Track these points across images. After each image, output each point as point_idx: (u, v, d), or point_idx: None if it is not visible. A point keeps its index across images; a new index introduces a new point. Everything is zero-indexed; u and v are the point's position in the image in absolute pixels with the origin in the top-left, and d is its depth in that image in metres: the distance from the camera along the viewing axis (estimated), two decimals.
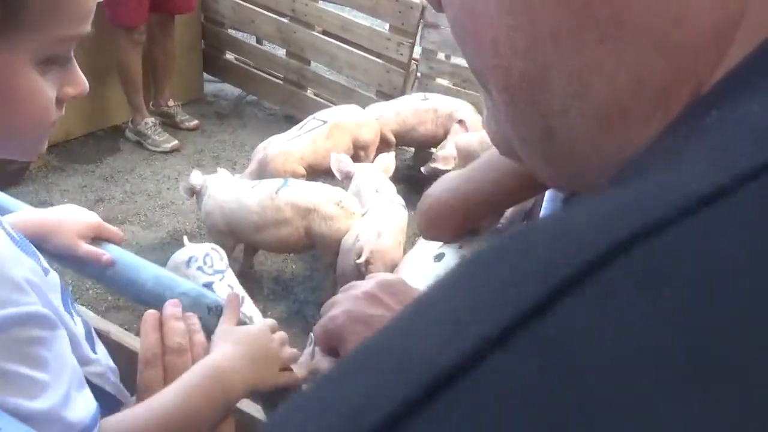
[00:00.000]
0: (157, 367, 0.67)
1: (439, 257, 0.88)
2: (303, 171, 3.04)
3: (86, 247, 0.77)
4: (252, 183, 2.76)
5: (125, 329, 1.32)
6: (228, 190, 2.70)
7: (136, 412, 0.63)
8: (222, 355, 0.70)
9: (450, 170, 3.13)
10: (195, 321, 0.72)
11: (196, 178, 2.78)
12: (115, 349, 1.13)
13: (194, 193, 2.78)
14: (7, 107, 0.54)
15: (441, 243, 0.93)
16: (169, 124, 3.98)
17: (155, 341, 0.68)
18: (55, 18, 0.54)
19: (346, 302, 0.68)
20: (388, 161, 2.98)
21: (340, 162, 2.88)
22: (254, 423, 0.87)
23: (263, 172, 2.98)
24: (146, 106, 3.82)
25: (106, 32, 3.35)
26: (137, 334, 0.78)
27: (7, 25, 0.52)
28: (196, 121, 4.01)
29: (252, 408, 0.91)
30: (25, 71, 0.54)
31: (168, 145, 3.76)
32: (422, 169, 3.31)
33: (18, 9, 0.52)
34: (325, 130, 3.14)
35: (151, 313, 0.71)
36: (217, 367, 0.68)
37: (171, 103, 3.99)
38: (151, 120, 3.80)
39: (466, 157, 3.16)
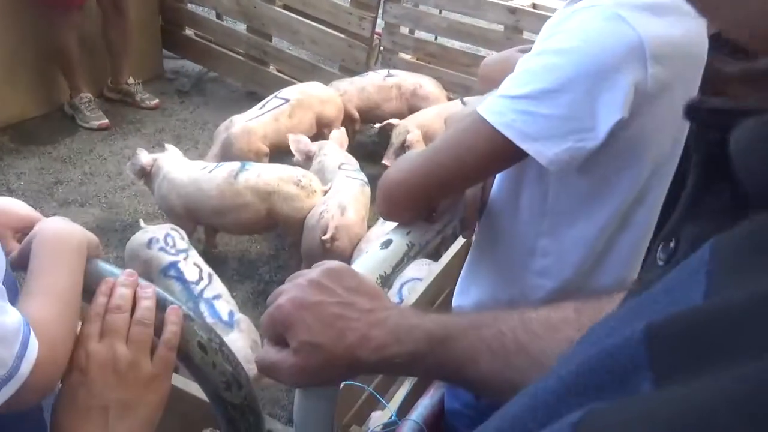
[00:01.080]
0: (96, 323, 0.69)
1: (387, 244, 0.88)
2: (266, 150, 3.02)
3: (13, 245, 0.75)
4: (208, 165, 2.71)
5: None
6: (183, 172, 2.65)
7: (40, 302, 0.67)
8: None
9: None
10: (148, 290, 0.72)
11: (145, 157, 2.71)
12: None
13: (144, 174, 2.72)
14: None
15: (390, 227, 0.93)
16: (129, 103, 3.91)
17: (102, 303, 0.70)
18: None
19: (291, 290, 0.68)
20: (340, 135, 3.02)
21: (299, 142, 2.87)
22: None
23: (227, 153, 2.95)
24: (86, 85, 3.73)
25: (60, 13, 3.30)
26: None
27: None
28: (156, 100, 3.94)
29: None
30: None
31: (96, 123, 3.69)
32: (385, 161, 3.15)
33: None
34: (288, 108, 3.11)
35: (105, 281, 0.72)
36: None
37: (131, 81, 3.91)
38: (87, 96, 3.74)
39: (426, 134, 3.17)
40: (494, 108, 0.82)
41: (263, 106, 3.14)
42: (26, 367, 0.60)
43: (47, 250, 0.69)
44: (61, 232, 0.72)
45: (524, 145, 0.80)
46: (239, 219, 2.60)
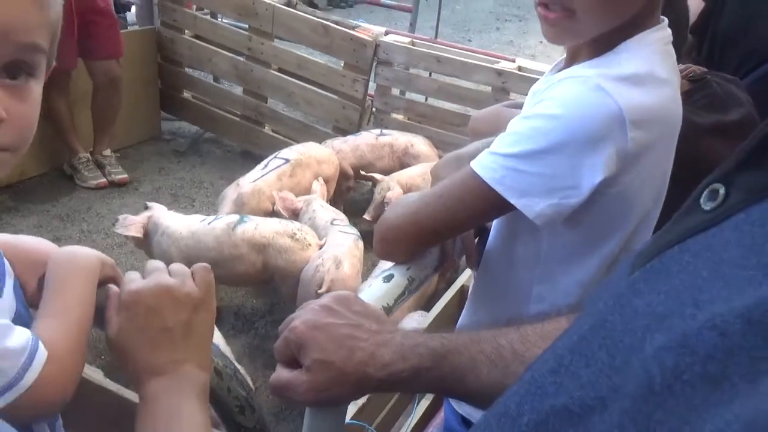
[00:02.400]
0: (137, 273, 0.73)
1: (389, 278, 0.94)
2: (271, 208, 3.08)
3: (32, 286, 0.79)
4: (207, 218, 2.75)
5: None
6: (183, 226, 2.68)
7: (50, 322, 0.70)
8: None
9: None
10: None
11: (136, 218, 2.70)
12: (97, 392, 1.15)
13: (143, 234, 2.70)
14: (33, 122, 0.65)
15: (383, 268, 0.99)
16: (102, 173, 3.91)
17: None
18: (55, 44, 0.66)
19: (304, 314, 0.74)
20: (321, 187, 3.18)
21: (285, 200, 2.99)
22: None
23: (240, 212, 2.99)
24: (82, 146, 3.84)
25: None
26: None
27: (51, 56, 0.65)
28: (124, 176, 3.90)
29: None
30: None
31: (93, 182, 3.77)
32: (367, 216, 3.33)
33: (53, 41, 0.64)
34: (288, 167, 3.20)
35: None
36: None
37: (107, 152, 3.94)
38: (85, 156, 3.83)
39: (408, 191, 3.29)
40: (486, 163, 0.89)
41: (266, 166, 3.21)
42: (30, 377, 0.63)
43: (58, 275, 0.73)
44: (71, 255, 0.76)
45: (512, 200, 0.87)
46: (235, 270, 2.63)
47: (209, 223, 2.67)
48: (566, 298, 1.00)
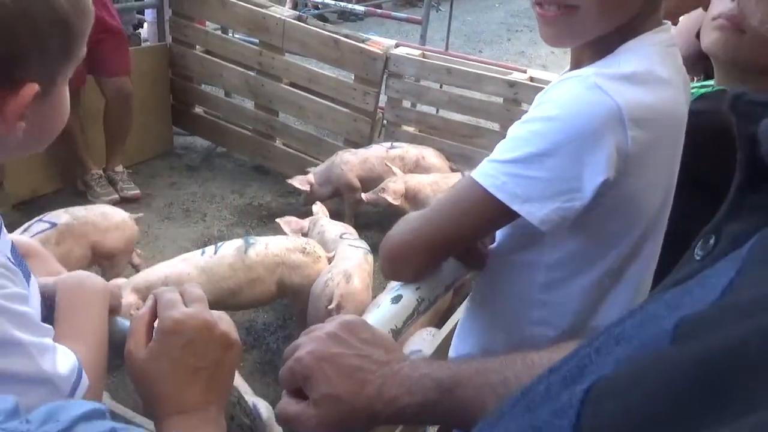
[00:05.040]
0: (174, 293, 0.71)
1: (397, 299, 0.91)
2: None
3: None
4: (205, 250, 2.61)
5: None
6: (183, 266, 2.50)
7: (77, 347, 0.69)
8: None
9: (397, 205, 3.25)
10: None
11: (125, 300, 2.32)
12: None
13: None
14: (55, 120, 0.71)
15: (399, 284, 0.97)
16: (114, 190, 3.92)
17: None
18: (82, 44, 0.70)
19: (309, 343, 0.71)
20: (320, 209, 3.15)
21: (290, 223, 3.00)
22: None
23: None
24: (95, 163, 3.86)
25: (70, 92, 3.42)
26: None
27: (71, 55, 0.69)
28: (136, 191, 3.90)
29: None
30: (65, 90, 0.71)
31: (106, 198, 3.77)
32: (364, 196, 3.36)
33: (75, 40, 0.68)
34: (54, 234, 2.58)
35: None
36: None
37: (119, 168, 3.96)
38: (97, 172, 3.85)
39: (414, 198, 3.26)
40: (486, 171, 0.87)
41: (26, 228, 2.58)
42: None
43: (75, 296, 0.73)
44: (85, 280, 0.76)
45: (515, 206, 0.85)
46: (254, 294, 2.56)
47: (215, 253, 2.56)
48: (570, 305, 0.98)
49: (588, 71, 0.87)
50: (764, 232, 0.31)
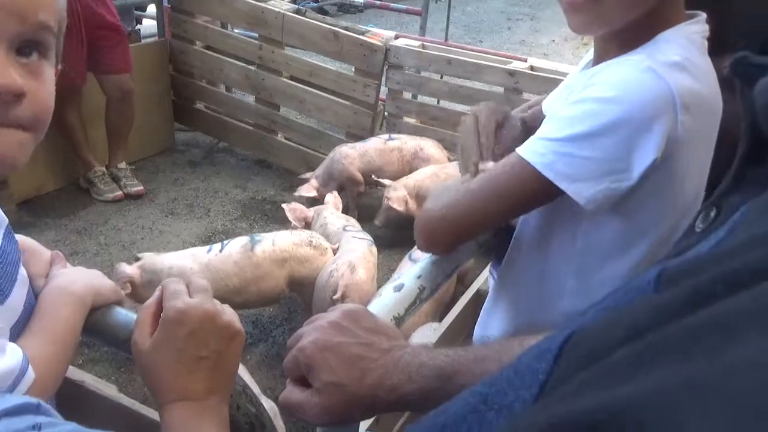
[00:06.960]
0: (180, 284, 0.72)
1: (399, 287, 0.92)
2: None
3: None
4: (212, 247, 2.62)
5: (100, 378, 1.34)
6: (189, 261, 2.51)
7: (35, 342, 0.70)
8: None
9: (401, 211, 3.28)
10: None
11: (124, 272, 2.44)
12: (90, 397, 1.15)
13: (139, 284, 2.46)
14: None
15: (401, 273, 0.98)
16: (118, 186, 3.93)
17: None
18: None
19: (312, 333, 0.72)
20: (335, 199, 3.15)
21: (295, 210, 2.98)
22: None
23: None
24: (97, 160, 3.88)
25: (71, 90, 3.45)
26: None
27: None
28: (140, 188, 3.92)
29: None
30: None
31: (110, 195, 3.80)
32: (377, 222, 3.38)
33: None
34: None
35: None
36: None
37: (122, 165, 3.97)
38: (100, 169, 3.86)
39: (418, 196, 3.29)
40: (535, 149, 0.87)
41: None
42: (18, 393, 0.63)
43: (50, 295, 0.74)
44: (65, 281, 0.77)
45: (563, 185, 0.85)
46: (262, 290, 2.57)
47: (221, 251, 2.56)
48: (600, 294, 0.96)
49: (637, 57, 0.87)
50: (753, 202, 0.32)
